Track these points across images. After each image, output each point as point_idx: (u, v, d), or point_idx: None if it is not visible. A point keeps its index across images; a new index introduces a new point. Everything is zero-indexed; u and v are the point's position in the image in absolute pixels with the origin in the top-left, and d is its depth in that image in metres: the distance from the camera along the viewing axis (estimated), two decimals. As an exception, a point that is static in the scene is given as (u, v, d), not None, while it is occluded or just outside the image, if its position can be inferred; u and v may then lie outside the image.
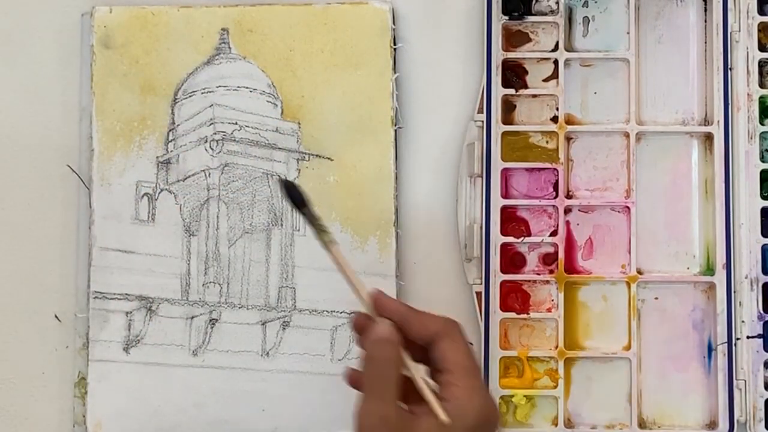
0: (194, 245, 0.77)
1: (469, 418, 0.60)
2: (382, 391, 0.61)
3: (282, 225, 0.77)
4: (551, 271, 0.78)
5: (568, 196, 0.78)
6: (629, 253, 0.77)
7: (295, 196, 0.64)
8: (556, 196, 0.78)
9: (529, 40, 0.79)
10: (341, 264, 0.63)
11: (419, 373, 0.62)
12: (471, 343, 0.69)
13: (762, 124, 0.78)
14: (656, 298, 0.78)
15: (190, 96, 0.78)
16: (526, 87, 0.79)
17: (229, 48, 0.78)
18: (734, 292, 0.76)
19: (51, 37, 0.80)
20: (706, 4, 0.79)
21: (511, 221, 0.78)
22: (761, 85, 0.78)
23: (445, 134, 0.79)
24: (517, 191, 0.78)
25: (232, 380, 0.76)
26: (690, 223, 0.78)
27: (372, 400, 0.61)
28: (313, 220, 0.64)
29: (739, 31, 0.78)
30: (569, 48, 0.79)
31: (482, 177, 0.77)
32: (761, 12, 0.78)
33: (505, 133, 0.78)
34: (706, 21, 0.79)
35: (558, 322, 0.77)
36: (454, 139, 0.79)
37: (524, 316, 0.77)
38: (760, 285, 0.77)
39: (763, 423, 0.75)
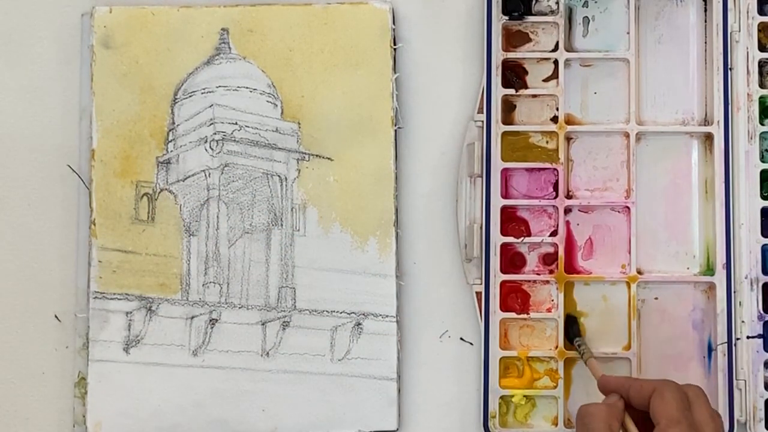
0: (194, 245, 0.77)
1: None
2: None
3: (282, 225, 0.77)
4: (551, 271, 0.78)
5: (568, 196, 0.78)
6: (629, 253, 0.77)
7: (572, 330, 0.76)
8: (556, 196, 0.78)
9: (529, 40, 0.79)
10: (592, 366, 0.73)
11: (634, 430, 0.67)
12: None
13: (762, 124, 0.78)
14: (656, 298, 0.78)
15: (190, 96, 0.78)
16: (526, 87, 0.79)
17: (229, 48, 0.78)
18: (734, 292, 0.76)
19: (51, 37, 0.80)
20: (706, 4, 0.79)
21: (511, 221, 0.78)
22: (761, 85, 0.78)
23: (445, 134, 0.79)
24: (517, 191, 0.78)
25: (232, 380, 0.76)
26: (690, 223, 0.78)
27: None
28: (581, 347, 0.75)
29: (739, 31, 0.78)
30: (569, 48, 0.79)
31: (482, 177, 0.77)
32: (761, 12, 0.78)
33: (505, 133, 0.78)
34: (706, 21, 0.79)
35: (558, 322, 0.77)
36: (454, 139, 0.79)
37: (524, 316, 0.77)
38: (760, 285, 0.77)
39: (763, 423, 0.75)
